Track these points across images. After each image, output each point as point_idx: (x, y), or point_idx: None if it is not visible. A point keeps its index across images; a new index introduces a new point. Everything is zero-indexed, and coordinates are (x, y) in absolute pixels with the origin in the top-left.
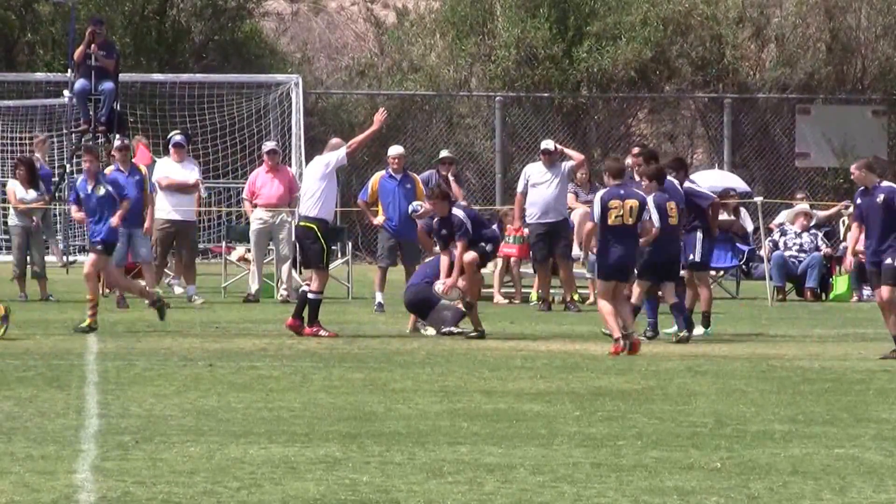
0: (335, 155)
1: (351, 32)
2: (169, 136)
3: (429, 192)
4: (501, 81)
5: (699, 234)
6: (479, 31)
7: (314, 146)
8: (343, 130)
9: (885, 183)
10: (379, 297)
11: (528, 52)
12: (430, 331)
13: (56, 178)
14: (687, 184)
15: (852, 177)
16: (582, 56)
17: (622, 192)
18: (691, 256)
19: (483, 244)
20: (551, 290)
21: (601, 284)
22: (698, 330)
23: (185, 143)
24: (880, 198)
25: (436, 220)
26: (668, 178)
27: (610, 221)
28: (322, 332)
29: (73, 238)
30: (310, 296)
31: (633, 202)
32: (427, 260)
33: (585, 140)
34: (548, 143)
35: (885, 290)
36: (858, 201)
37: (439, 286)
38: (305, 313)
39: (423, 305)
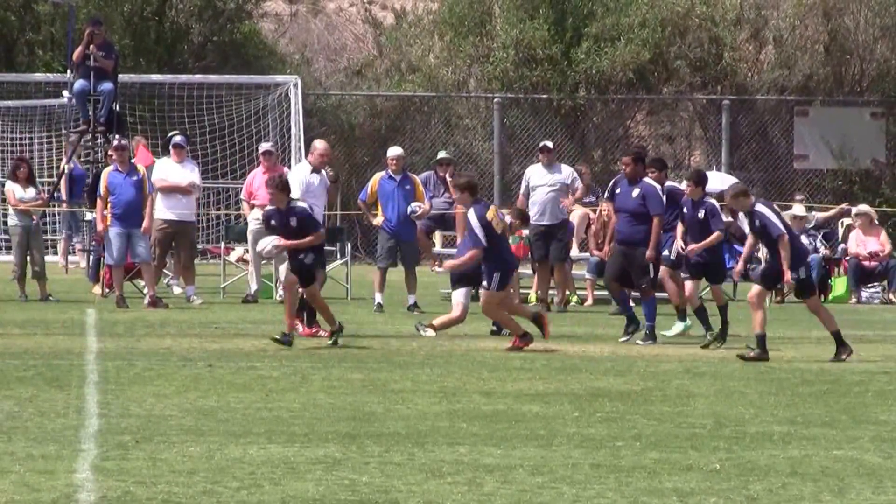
0: (304, 177)
1: (349, 33)
2: (168, 137)
3: (268, 181)
4: (500, 82)
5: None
6: (477, 32)
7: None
8: (342, 131)
9: (758, 207)
10: (378, 298)
11: (527, 54)
12: (429, 332)
13: (55, 179)
14: (668, 183)
15: (728, 206)
16: (580, 57)
17: (484, 202)
18: (665, 252)
19: (303, 256)
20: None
21: (499, 295)
22: (678, 327)
23: (184, 144)
24: (757, 222)
25: (272, 210)
26: (646, 178)
27: (499, 230)
28: (321, 333)
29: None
30: (306, 296)
31: (494, 208)
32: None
33: (584, 142)
34: (547, 142)
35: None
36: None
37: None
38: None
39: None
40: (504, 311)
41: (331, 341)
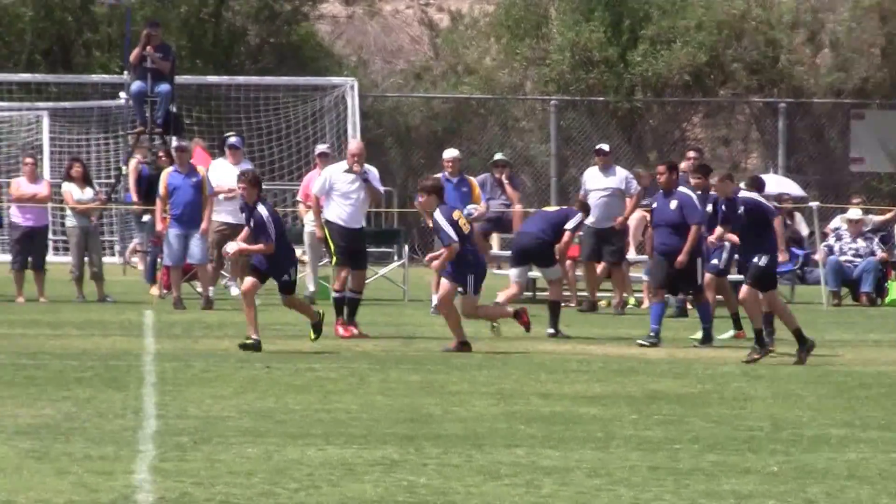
0: (329, 175)
1: (406, 36)
2: (223, 138)
3: (240, 174)
4: (556, 85)
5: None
6: (533, 35)
7: (370, 149)
8: (399, 133)
9: (743, 193)
10: (436, 300)
11: (583, 56)
12: (500, 331)
13: (113, 180)
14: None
15: (713, 190)
16: (637, 60)
17: (449, 205)
18: (714, 261)
19: (287, 277)
20: (607, 294)
21: (476, 298)
22: (699, 334)
23: (240, 145)
24: (741, 209)
25: (244, 203)
26: (681, 188)
27: (465, 230)
28: (340, 331)
29: (129, 240)
30: (334, 295)
31: (459, 211)
32: (534, 215)
33: (640, 144)
34: (603, 145)
35: (743, 289)
36: (723, 208)
37: (231, 246)
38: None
39: (538, 253)
40: (481, 310)
41: (313, 337)
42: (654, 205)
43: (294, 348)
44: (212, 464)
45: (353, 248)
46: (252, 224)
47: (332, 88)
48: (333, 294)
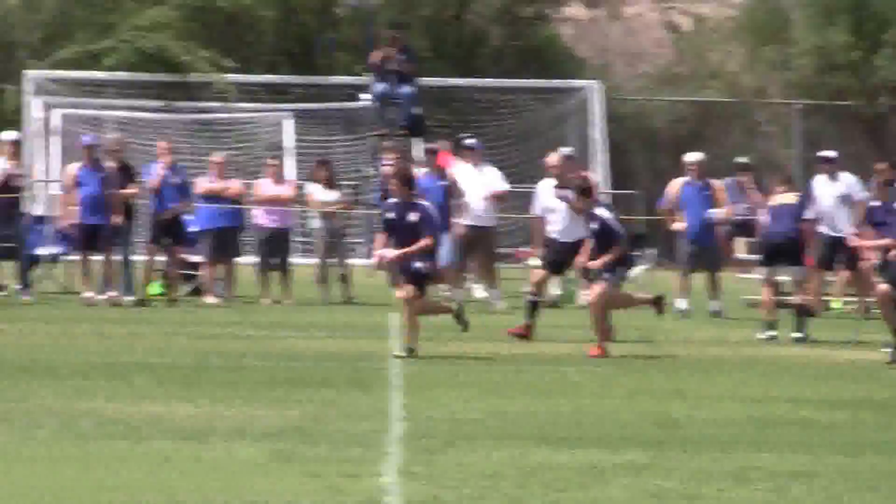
0: (540, 191)
1: (648, 39)
2: (458, 139)
3: (393, 172)
4: (800, 89)
5: None
6: (776, 39)
7: (614, 153)
8: (643, 137)
9: None
10: (680, 304)
11: (827, 60)
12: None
13: (358, 182)
14: None
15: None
16: (882, 64)
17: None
18: None
19: (419, 266)
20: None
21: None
22: None
23: (477, 147)
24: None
25: (391, 202)
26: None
27: None
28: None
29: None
30: (528, 298)
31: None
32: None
33: (884, 150)
34: (828, 152)
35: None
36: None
37: (390, 252)
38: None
39: (790, 252)
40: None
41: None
42: (875, 204)
43: (540, 350)
44: (459, 467)
45: (569, 260)
46: (415, 219)
47: (575, 91)
48: (528, 297)
